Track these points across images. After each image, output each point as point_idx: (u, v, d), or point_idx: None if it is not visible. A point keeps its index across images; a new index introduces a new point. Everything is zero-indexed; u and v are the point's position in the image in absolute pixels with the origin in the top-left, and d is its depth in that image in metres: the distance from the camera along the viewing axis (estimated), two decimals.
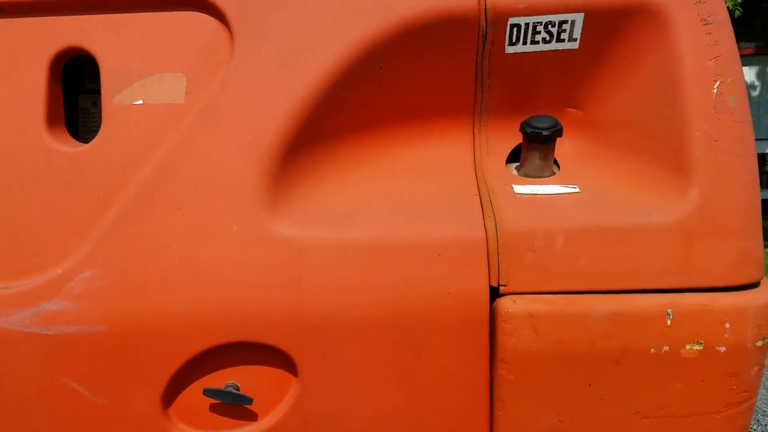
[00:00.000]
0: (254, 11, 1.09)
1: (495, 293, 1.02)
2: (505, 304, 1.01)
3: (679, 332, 1.00)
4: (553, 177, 1.14)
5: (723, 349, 1.00)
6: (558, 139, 1.17)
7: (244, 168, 1.03)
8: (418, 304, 1.02)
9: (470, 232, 1.02)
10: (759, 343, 1.01)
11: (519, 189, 1.11)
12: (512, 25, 1.10)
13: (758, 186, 1.06)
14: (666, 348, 1.00)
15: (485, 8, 1.08)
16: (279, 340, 1.02)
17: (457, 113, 1.18)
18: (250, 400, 1.04)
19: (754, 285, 1.04)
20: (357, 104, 1.11)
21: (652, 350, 1.00)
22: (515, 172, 1.17)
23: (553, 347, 1.00)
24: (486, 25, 1.09)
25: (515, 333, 1.00)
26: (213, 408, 1.07)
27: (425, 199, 1.09)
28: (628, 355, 1.00)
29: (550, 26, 1.10)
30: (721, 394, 1.02)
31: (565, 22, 1.09)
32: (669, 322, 0.99)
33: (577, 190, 1.10)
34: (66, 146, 1.08)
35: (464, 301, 1.01)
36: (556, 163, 1.18)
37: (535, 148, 1.12)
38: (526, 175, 1.15)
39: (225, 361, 1.06)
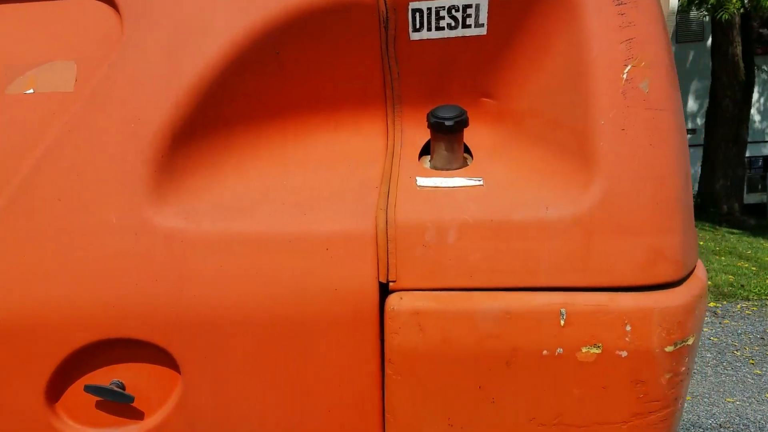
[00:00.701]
0: None
1: (388, 290, 0.97)
2: (391, 301, 0.95)
3: (573, 334, 0.92)
4: (461, 169, 1.08)
5: (624, 353, 0.92)
6: (474, 129, 1.11)
7: (127, 157, 1.01)
8: (305, 300, 0.97)
9: (359, 226, 0.97)
10: (669, 349, 0.93)
11: (422, 181, 1.05)
12: (414, 10, 1.05)
13: (681, 177, 0.98)
14: (560, 350, 0.93)
15: None
16: (159, 337, 0.99)
17: (369, 103, 1.13)
18: (131, 399, 1.02)
19: (667, 285, 0.95)
20: (256, 91, 1.08)
21: (545, 352, 0.93)
22: (427, 164, 1.12)
23: (439, 346, 0.94)
24: (386, 10, 1.05)
25: (400, 331, 0.95)
26: (100, 405, 1.05)
27: (324, 191, 1.05)
28: (520, 357, 0.93)
29: (453, 11, 1.04)
30: (625, 402, 0.94)
31: (470, 6, 1.04)
32: (562, 322, 0.92)
33: (480, 183, 1.03)
34: None
35: (352, 297, 0.96)
36: (470, 153, 1.12)
37: (441, 139, 1.06)
38: (435, 167, 1.09)
39: (111, 357, 1.03)
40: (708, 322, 5.72)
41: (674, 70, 1.04)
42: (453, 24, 1.05)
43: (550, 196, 0.98)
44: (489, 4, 1.03)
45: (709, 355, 4.85)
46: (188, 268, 0.98)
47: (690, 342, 0.96)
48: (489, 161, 1.09)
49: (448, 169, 1.08)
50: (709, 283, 7.02)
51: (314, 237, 0.97)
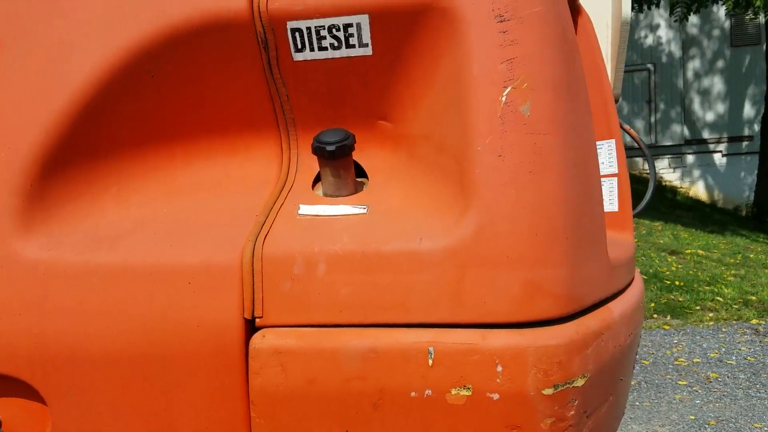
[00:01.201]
0: (20, 19, 1.04)
1: (255, 326, 0.93)
2: (255, 339, 0.91)
3: (442, 374, 0.87)
4: (354, 195, 1.03)
5: (496, 396, 0.86)
6: (372, 152, 1.06)
7: None
8: (166, 336, 0.93)
9: (224, 258, 0.93)
10: (548, 392, 0.87)
11: (304, 210, 1.00)
12: (293, 30, 1.00)
13: (568, 205, 0.91)
14: (429, 392, 0.87)
15: (259, 12, 0.99)
16: (22, 371, 0.96)
17: (261, 127, 1.09)
18: None
19: (549, 322, 0.89)
20: (135, 115, 1.04)
21: (413, 394, 0.87)
22: (320, 191, 1.07)
23: (303, 387, 0.89)
24: (263, 30, 1.00)
25: (262, 371, 0.90)
26: None
27: (202, 220, 1.01)
28: (387, 398, 0.88)
29: (335, 30, 0.99)
30: None
31: (350, 25, 0.99)
32: (431, 361, 0.87)
33: (364, 211, 0.98)
34: None
35: (215, 334, 0.92)
36: (366, 177, 1.07)
37: (326, 165, 1.01)
38: (326, 194, 1.04)
39: None
40: (747, 341, 5.57)
41: (571, 89, 0.97)
42: (336, 44, 1.00)
43: (429, 226, 0.92)
44: (370, 23, 0.98)
45: (742, 376, 4.70)
46: (50, 300, 0.95)
47: (578, 384, 0.90)
48: (384, 186, 1.04)
49: (337, 196, 1.03)
50: (753, 298, 6.81)
51: (177, 269, 0.93)
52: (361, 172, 1.07)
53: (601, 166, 1.46)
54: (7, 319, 0.95)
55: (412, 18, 0.97)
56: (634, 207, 1.83)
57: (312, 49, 1.01)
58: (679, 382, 4.81)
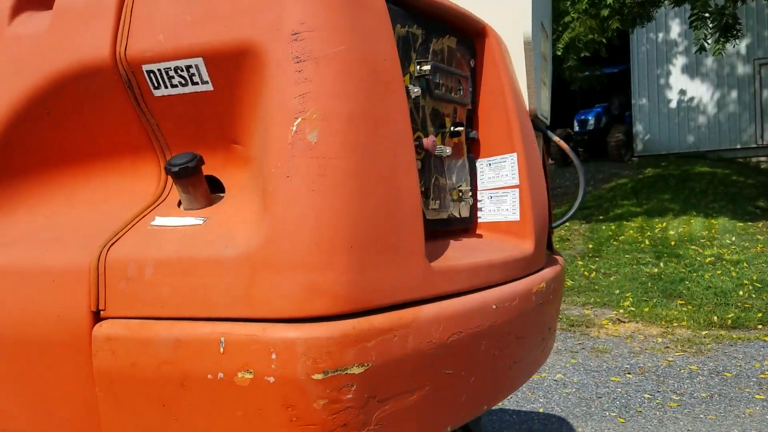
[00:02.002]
0: None
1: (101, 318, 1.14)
2: (95, 328, 1.12)
3: (230, 360, 1.04)
4: (207, 208, 1.22)
5: (272, 379, 1.02)
6: (231, 171, 1.25)
7: None
8: (38, 325, 1.16)
9: (81, 261, 1.15)
10: (318, 377, 1.02)
11: (157, 221, 1.21)
12: (148, 72, 1.21)
13: (350, 219, 1.06)
14: (221, 375, 1.04)
15: (120, 59, 1.20)
16: None
17: (142, 150, 1.30)
18: None
19: (325, 318, 1.04)
20: (39, 144, 1.29)
21: (209, 376, 1.05)
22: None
23: (128, 369, 1.09)
24: (125, 73, 1.21)
25: (98, 355, 1.11)
26: None
27: (80, 229, 1.24)
28: (191, 380, 1.06)
29: (180, 71, 1.19)
30: (280, 425, 1.03)
31: (190, 66, 1.18)
32: (222, 349, 1.04)
33: (200, 222, 1.17)
34: None
35: (72, 324, 1.14)
36: (224, 192, 1.25)
37: (176, 183, 1.21)
38: (183, 208, 1.24)
39: None
40: None
41: (372, 119, 1.11)
42: (183, 82, 1.20)
43: (239, 235, 1.10)
44: (206, 64, 1.17)
45: None
46: None
47: (355, 371, 1.04)
48: (232, 201, 1.22)
49: (191, 209, 1.23)
50: None
51: (48, 270, 1.16)
52: (221, 188, 1.26)
53: (504, 179, 1.57)
54: None
55: (236, 60, 1.14)
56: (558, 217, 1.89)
57: (166, 87, 1.21)
58: (756, 396, 4.60)
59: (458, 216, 1.54)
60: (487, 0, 1.63)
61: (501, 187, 1.59)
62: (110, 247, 1.15)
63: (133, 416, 1.11)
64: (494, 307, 1.33)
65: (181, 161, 1.18)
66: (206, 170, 1.27)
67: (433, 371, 1.19)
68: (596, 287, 7.68)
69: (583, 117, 17.88)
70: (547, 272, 1.65)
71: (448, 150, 1.44)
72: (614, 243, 9.73)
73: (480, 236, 1.61)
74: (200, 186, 1.21)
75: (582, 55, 12.11)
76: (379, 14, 1.18)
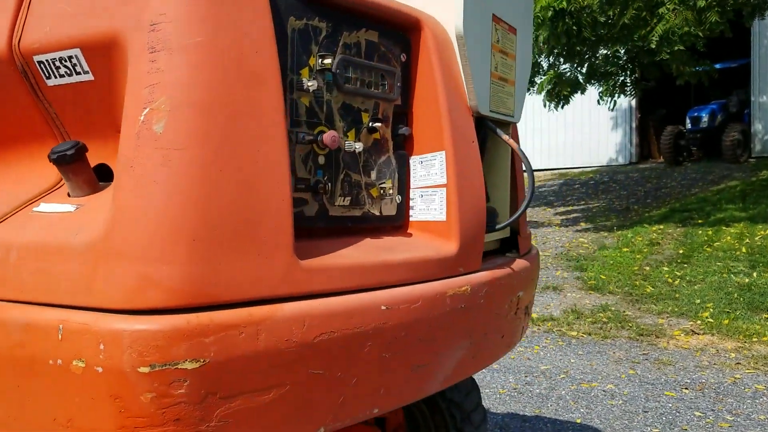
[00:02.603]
0: None
1: None
2: None
3: (67, 347, 1.05)
4: (89, 196, 1.25)
5: (100, 369, 1.03)
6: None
7: None
8: None
9: None
10: (144, 370, 1.02)
11: (41, 207, 1.24)
12: (38, 62, 1.24)
13: (194, 212, 1.05)
14: (60, 361, 1.06)
15: (15, 50, 1.24)
16: None
17: (45, 138, 1.34)
18: None
19: (158, 311, 1.04)
20: None
21: (51, 362, 1.07)
22: None
23: None
24: (21, 64, 1.25)
25: None
26: None
27: None
28: (38, 365, 1.09)
29: (63, 61, 1.22)
30: (111, 414, 1.04)
31: (72, 57, 1.20)
32: (60, 336, 1.06)
33: (71, 209, 1.20)
34: None
35: None
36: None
37: (60, 170, 1.24)
38: (70, 195, 1.27)
39: None
40: None
41: (229, 110, 1.09)
42: (68, 72, 1.22)
43: (93, 224, 1.11)
44: (84, 55, 1.19)
45: None
46: None
47: (187, 366, 1.03)
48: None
49: (75, 196, 1.25)
50: None
51: None
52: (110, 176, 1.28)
53: (433, 177, 1.51)
54: None
55: (108, 51, 1.16)
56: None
57: (56, 77, 1.24)
58: None
59: (379, 214, 1.49)
60: None
61: (430, 186, 1.54)
62: None
63: (8, 390, 1.15)
64: (383, 308, 1.29)
65: (61, 149, 1.20)
66: (99, 158, 1.29)
67: (296, 371, 1.16)
68: (677, 295, 7.30)
69: (696, 114, 16.84)
70: (482, 276, 1.58)
71: (359, 146, 1.40)
72: (707, 249, 9.20)
73: (410, 235, 1.56)
74: (82, 173, 1.24)
75: (675, 48, 11.50)
76: (256, 7, 1.16)
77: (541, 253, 10.03)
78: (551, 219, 12.90)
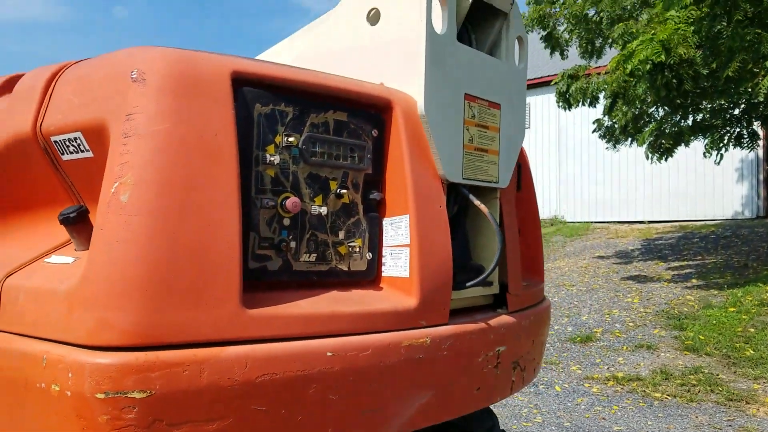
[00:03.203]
0: None
1: None
2: None
3: (48, 374, 1.30)
4: (84, 251, 1.51)
5: (69, 393, 1.27)
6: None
7: None
8: None
9: None
10: (100, 396, 1.25)
11: (52, 259, 1.52)
12: (55, 141, 1.54)
13: (147, 265, 1.28)
14: (42, 385, 1.31)
15: (38, 132, 1.55)
16: None
17: (66, 201, 1.64)
18: None
19: (114, 348, 1.27)
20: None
21: (38, 385, 1.32)
22: None
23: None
24: (42, 142, 1.56)
25: None
26: None
27: (9, 259, 1.59)
28: (29, 386, 1.34)
29: (71, 141, 1.51)
30: (76, 430, 1.28)
31: (76, 138, 1.49)
32: (44, 364, 1.31)
33: (69, 261, 1.47)
34: None
35: None
36: None
37: (66, 228, 1.52)
38: (75, 249, 1.55)
39: None
40: None
41: (187, 184, 1.33)
42: (75, 149, 1.52)
43: (76, 274, 1.37)
44: (85, 137, 1.47)
45: None
46: None
47: (136, 396, 1.25)
48: None
49: (78, 250, 1.53)
50: None
51: None
52: None
53: (399, 238, 1.69)
54: None
55: (99, 134, 1.43)
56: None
57: (68, 153, 1.54)
58: None
59: (347, 269, 1.67)
60: (393, 76, 1.77)
61: (397, 245, 1.70)
62: (10, 275, 1.49)
63: (6, 406, 1.42)
64: (329, 354, 1.46)
65: (67, 212, 1.49)
66: None
67: (239, 406, 1.35)
68: None
69: None
70: (446, 329, 1.71)
71: (323, 210, 1.60)
72: None
73: (381, 289, 1.73)
74: (84, 232, 1.51)
75: None
76: (217, 99, 1.40)
77: (642, 310, 9.69)
78: (661, 274, 12.38)
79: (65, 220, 1.48)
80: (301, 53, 2.09)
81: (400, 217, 1.70)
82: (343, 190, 1.65)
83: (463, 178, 1.84)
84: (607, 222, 20.18)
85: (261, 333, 1.40)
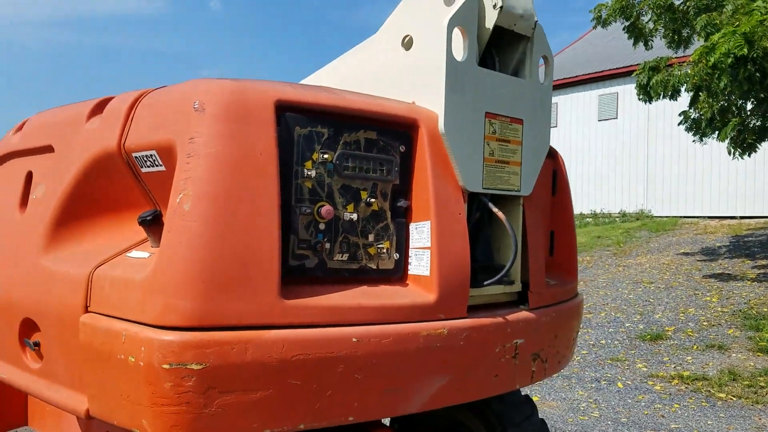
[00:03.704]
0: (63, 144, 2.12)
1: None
2: (83, 317, 1.80)
3: (127, 348, 1.63)
4: (157, 248, 1.84)
5: (142, 363, 1.60)
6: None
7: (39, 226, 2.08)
8: (61, 308, 1.89)
9: (80, 273, 1.85)
10: (166, 366, 1.57)
11: (132, 254, 1.86)
12: (136, 157, 1.88)
13: (199, 262, 1.58)
14: (122, 356, 1.65)
15: (122, 148, 1.89)
16: None
17: (146, 208, 1.98)
18: None
19: (177, 328, 1.58)
20: (89, 200, 2.04)
21: (119, 356, 1.66)
22: None
23: (92, 343, 1.75)
24: (125, 157, 1.90)
25: (80, 332, 1.79)
26: None
27: (93, 253, 1.94)
28: (113, 357, 1.68)
29: (147, 157, 1.84)
30: (147, 394, 1.60)
31: (152, 155, 1.82)
32: (123, 340, 1.65)
33: (145, 256, 1.80)
34: None
35: (72, 309, 1.84)
36: None
37: (143, 229, 1.85)
38: (151, 246, 1.88)
39: None
40: None
41: (234, 196, 1.62)
42: (151, 164, 1.85)
43: (150, 267, 1.70)
44: (159, 154, 1.80)
45: None
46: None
47: (193, 367, 1.56)
48: None
49: (155, 247, 1.86)
50: None
51: (71, 276, 1.88)
52: None
53: (423, 241, 1.95)
54: None
55: (168, 153, 1.75)
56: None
57: (146, 167, 1.87)
58: None
59: (376, 267, 1.94)
60: (423, 96, 2.02)
61: (421, 247, 1.96)
62: (99, 266, 1.84)
63: (97, 372, 1.76)
64: (354, 340, 1.73)
65: (144, 215, 1.82)
66: None
67: (277, 379, 1.65)
68: None
69: None
70: (464, 322, 1.95)
71: (354, 216, 1.87)
72: None
73: (407, 285, 1.99)
74: (157, 231, 1.83)
75: None
76: (262, 123, 1.69)
77: (719, 309, 9.51)
78: (746, 272, 12.02)
79: (143, 222, 1.82)
80: (345, 75, 2.36)
81: (423, 222, 1.95)
82: (372, 199, 1.91)
83: (483, 188, 2.07)
84: (697, 217, 19.52)
85: (296, 320, 1.69)
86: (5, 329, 2.20)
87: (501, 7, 2.05)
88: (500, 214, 2.07)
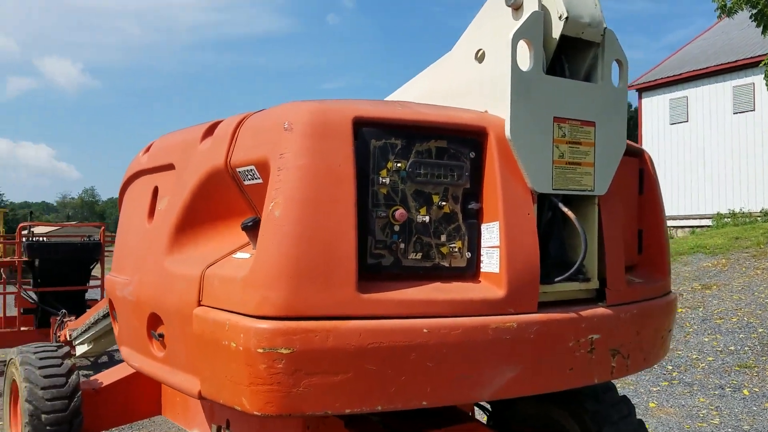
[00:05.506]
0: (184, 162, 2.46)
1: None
2: (196, 310, 2.11)
3: (229, 335, 1.91)
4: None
5: (241, 348, 1.87)
6: None
7: (164, 232, 2.43)
8: (179, 303, 2.21)
9: (194, 272, 2.16)
10: (260, 350, 1.83)
11: (238, 255, 2.15)
12: (239, 171, 2.17)
13: (287, 259, 1.83)
14: (226, 342, 1.93)
15: (228, 164, 2.19)
16: None
17: (249, 215, 2.27)
18: None
19: (270, 318, 1.84)
20: (203, 210, 2.36)
21: (224, 342, 1.94)
22: None
23: (202, 332, 2.05)
24: (231, 172, 2.19)
25: (194, 324, 2.09)
26: None
27: (206, 255, 2.25)
28: (219, 343, 1.96)
29: (249, 172, 2.12)
30: (246, 375, 1.86)
31: (252, 170, 2.10)
32: (227, 328, 1.93)
33: (247, 256, 2.08)
34: None
35: (187, 306, 2.15)
36: None
37: (246, 233, 2.13)
38: (253, 248, 2.16)
39: None
40: None
41: (320, 202, 1.87)
42: (251, 177, 2.13)
43: (249, 266, 1.97)
44: (257, 169, 2.08)
45: None
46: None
47: (283, 351, 1.82)
48: None
49: (255, 249, 2.14)
50: None
51: (186, 276, 2.20)
52: None
53: (493, 240, 2.12)
54: None
55: (263, 167, 2.02)
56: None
57: (248, 180, 2.16)
58: None
59: (449, 265, 2.12)
60: (494, 105, 2.18)
61: (491, 246, 2.11)
62: (210, 266, 2.14)
63: (207, 357, 2.06)
64: (425, 330, 1.92)
65: (246, 222, 2.10)
66: None
67: (355, 364, 1.86)
68: None
69: None
70: (534, 316, 2.09)
71: (427, 218, 2.06)
72: None
73: (479, 282, 2.15)
74: (257, 235, 2.11)
75: None
76: (341, 138, 1.92)
77: None
78: None
79: (245, 227, 2.10)
80: (426, 89, 2.55)
81: (492, 222, 2.11)
82: (444, 203, 2.09)
83: (553, 189, 2.19)
84: None
85: (372, 311, 1.90)
86: (137, 323, 2.57)
87: (567, 18, 2.17)
88: (570, 213, 2.18)
